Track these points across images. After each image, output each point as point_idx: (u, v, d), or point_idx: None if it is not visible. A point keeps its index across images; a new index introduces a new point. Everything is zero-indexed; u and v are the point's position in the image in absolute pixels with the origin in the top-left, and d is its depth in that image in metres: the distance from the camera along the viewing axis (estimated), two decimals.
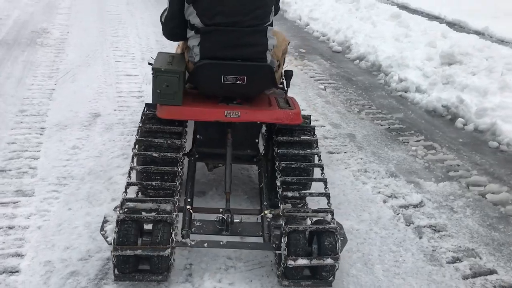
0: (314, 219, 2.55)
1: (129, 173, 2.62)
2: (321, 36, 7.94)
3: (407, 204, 3.43)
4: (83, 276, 2.43)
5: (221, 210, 2.60)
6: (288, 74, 3.27)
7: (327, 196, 2.62)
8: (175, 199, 2.49)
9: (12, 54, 5.82)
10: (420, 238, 3.06)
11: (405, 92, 5.60)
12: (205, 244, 2.44)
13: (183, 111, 2.85)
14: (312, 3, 9.52)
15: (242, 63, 2.76)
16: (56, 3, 8.79)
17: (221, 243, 2.46)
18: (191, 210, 2.59)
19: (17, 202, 3.02)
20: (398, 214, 3.30)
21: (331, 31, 7.90)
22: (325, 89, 5.64)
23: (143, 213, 2.36)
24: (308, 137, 2.97)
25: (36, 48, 6.13)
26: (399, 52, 6.50)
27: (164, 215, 2.33)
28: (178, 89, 2.80)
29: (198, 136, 3.05)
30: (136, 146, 2.76)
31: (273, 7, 2.79)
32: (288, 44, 3.82)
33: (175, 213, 2.43)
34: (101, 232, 2.47)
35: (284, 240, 2.37)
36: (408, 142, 4.43)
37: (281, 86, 3.46)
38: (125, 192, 2.50)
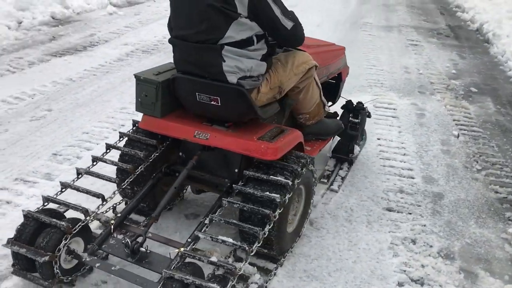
0: None
1: (77, 172, 2.63)
2: None
3: None
4: None
5: (135, 234, 2.39)
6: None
7: None
8: (92, 210, 2.40)
9: None
10: None
11: None
12: (97, 265, 2.28)
13: (159, 124, 2.72)
14: None
15: (209, 81, 2.49)
16: None
17: (113, 268, 2.25)
18: (111, 226, 2.45)
19: None
20: None
21: None
22: (457, 137, 4.63)
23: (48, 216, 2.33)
24: (281, 179, 2.48)
25: None
26: None
27: (57, 221, 2.26)
28: (155, 100, 2.69)
29: (180, 154, 2.87)
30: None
31: (230, 24, 2.40)
32: (341, 69, 3.31)
33: (83, 223, 2.34)
34: None
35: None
36: None
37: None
38: (61, 191, 2.52)
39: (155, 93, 2.66)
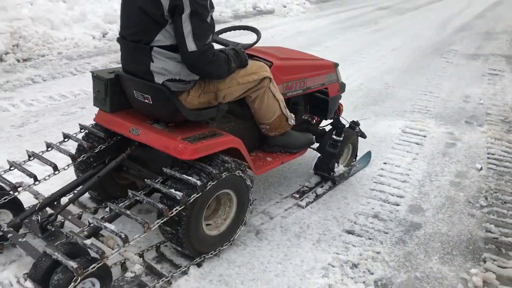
0: None
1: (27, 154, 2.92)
2: None
3: None
4: None
5: (50, 214, 2.60)
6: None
7: None
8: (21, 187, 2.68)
9: None
10: None
11: None
12: (9, 235, 2.50)
13: (107, 118, 2.93)
14: None
15: (141, 80, 2.65)
16: None
17: (19, 239, 2.47)
18: (38, 204, 2.68)
19: None
20: None
21: None
22: (480, 170, 4.23)
23: None
24: (191, 179, 2.53)
25: None
26: None
27: None
28: (105, 96, 2.90)
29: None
30: None
31: (160, 29, 2.50)
32: (327, 85, 3.28)
33: (8, 197, 2.61)
34: None
35: None
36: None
37: None
38: (9, 169, 2.84)
39: (104, 89, 2.87)
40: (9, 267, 2.59)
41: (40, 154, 2.93)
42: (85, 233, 2.39)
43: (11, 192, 2.66)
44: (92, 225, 2.39)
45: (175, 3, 2.39)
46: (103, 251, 2.17)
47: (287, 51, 3.74)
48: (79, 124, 3.11)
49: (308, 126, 3.81)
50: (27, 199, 2.82)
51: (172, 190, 2.48)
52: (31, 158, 2.91)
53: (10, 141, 4.14)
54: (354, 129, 3.79)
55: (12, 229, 2.56)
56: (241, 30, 3.45)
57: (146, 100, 2.70)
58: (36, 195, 2.80)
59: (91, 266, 2.14)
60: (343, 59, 7.84)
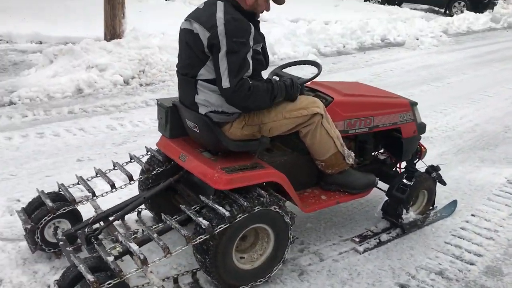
0: None
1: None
2: None
3: None
4: None
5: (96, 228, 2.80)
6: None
7: None
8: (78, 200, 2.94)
9: None
10: None
11: None
12: (60, 243, 2.76)
13: (165, 143, 3.10)
14: None
15: (189, 110, 2.77)
16: None
17: (67, 248, 2.70)
18: (92, 218, 2.90)
19: None
20: None
21: None
22: None
23: None
24: (221, 209, 2.54)
25: None
26: None
27: (49, 202, 2.84)
28: (165, 122, 3.08)
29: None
30: None
31: (203, 64, 2.61)
32: (400, 125, 3.29)
33: (67, 208, 2.88)
34: None
35: None
36: None
37: None
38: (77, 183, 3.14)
39: (165, 116, 3.05)
40: (61, 271, 2.83)
41: (107, 171, 3.19)
42: (119, 249, 2.53)
43: (70, 204, 2.93)
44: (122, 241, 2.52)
45: (212, 42, 2.49)
46: (120, 269, 2.28)
47: (359, 87, 3.59)
48: (145, 147, 3.33)
49: (380, 166, 3.60)
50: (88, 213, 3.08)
51: (200, 219, 2.52)
52: (98, 175, 3.17)
53: (107, 156, 4.55)
54: (430, 174, 3.47)
55: (65, 237, 2.81)
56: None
57: (195, 129, 2.81)
58: (96, 209, 3.05)
59: (107, 282, 2.25)
60: (462, 97, 7.28)
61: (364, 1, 19.35)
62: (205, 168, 2.70)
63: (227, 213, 2.51)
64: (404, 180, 3.34)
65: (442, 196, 4.02)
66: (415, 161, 3.74)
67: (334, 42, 10.74)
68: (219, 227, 2.51)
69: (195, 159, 2.81)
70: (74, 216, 2.96)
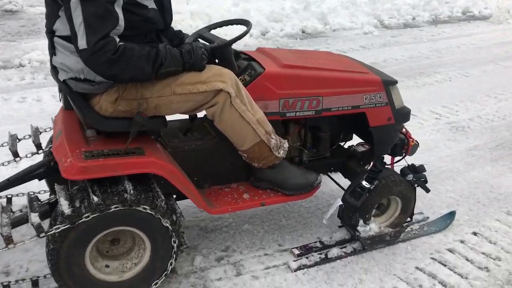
0: None
1: None
2: None
3: None
4: None
5: None
6: None
7: None
8: None
9: None
10: None
11: None
12: None
13: (58, 117, 2.56)
14: None
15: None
16: None
17: None
18: None
19: None
20: None
21: None
22: None
23: None
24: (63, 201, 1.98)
25: None
26: None
27: None
28: (60, 90, 2.55)
29: None
30: None
31: (57, 14, 1.99)
32: (364, 109, 2.55)
33: None
34: None
35: None
36: None
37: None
38: None
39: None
40: None
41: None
42: None
43: None
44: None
45: None
46: None
47: (320, 57, 2.77)
48: (51, 118, 2.83)
49: (346, 161, 2.82)
50: None
51: (34, 215, 1.98)
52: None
53: None
54: (406, 176, 2.62)
55: None
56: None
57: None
58: None
59: None
60: None
61: None
62: (65, 150, 2.13)
63: (67, 211, 1.95)
64: (363, 182, 2.53)
65: (446, 203, 3.15)
66: (400, 158, 2.91)
67: (402, 14, 9.53)
68: (55, 227, 1.95)
69: (66, 138, 2.24)
70: None
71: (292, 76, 2.43)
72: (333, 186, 3.04)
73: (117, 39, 1.95)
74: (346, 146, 2.98)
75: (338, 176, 2.94)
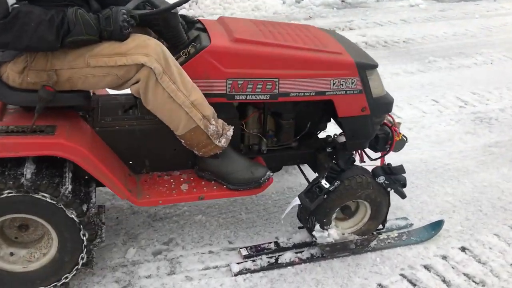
0: None
1: None
2: None
3: None
4: None
5: None
6: None
7: None
8: None
9: None
10: None
11: None
12: None
13: None
14: None
15: None
16: None
17: None
18: None
19: None
20: None
21: None
22: None
23: None
24: None
25: None
26: None
27: None
28: None
29: None
30: None
31: None
32: (332, 96, 2.16)
33: None
34: None
35: None
36: None
37: None
38: None
39: None
40: None
41: None
42: None
43: None
44: None
45: None
46: None
47: (293, 31, 2.36)
48: None
49: (314, 153, 2.45)
50: None
51: None
52: None
53: None
54: (376, 178, 2.22)
55: None
56: None
57: None
58: None
59: None
60: None
61: None
62: None
63: None
64: (323, 181, 2.16)
65: (440, 208, 2.75)
66: (383, 155, 2.51)
67: None
68: None
69: None
70: None
71: (243, 53, 2.07)
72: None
73: (12, 1, 1.67)
74: (325, 136, 2.58)
75: None
